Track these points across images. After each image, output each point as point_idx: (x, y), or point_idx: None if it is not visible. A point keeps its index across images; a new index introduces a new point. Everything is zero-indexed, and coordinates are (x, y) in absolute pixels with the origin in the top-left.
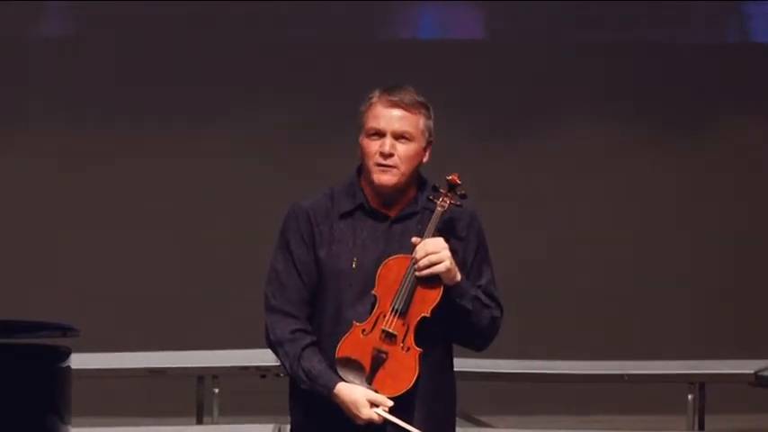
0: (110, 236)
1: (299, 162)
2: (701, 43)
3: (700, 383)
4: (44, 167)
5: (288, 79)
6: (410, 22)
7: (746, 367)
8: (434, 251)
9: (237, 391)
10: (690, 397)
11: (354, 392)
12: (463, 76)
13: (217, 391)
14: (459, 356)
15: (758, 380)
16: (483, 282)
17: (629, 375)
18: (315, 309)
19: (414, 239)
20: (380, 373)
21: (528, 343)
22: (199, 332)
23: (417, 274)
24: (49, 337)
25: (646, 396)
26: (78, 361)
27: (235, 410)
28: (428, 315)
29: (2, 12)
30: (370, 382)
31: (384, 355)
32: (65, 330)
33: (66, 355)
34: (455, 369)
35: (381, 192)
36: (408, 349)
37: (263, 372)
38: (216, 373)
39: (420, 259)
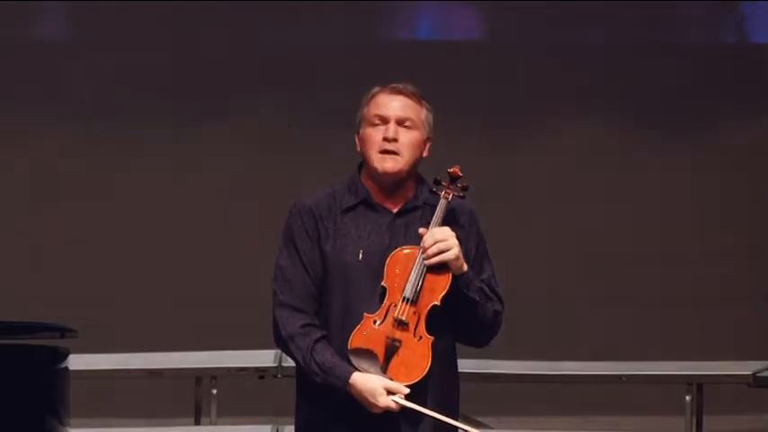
0: (108, 236)
1: (298, 162)
2: (699, 43)
3: (698, 384)
4: (43, 167)
5: (286, 80)
6: (408, 23)
7: (744, 368)
8: (443, 239)
9: (236, 393)
10: (688, 398)
11: (370, 381)
12: (461, 77)
13: (215, 392)
14: (457, 357)
15: (756, 381)
16: (485, 276)
17: (627, 376)
18: (322, 304)
19: (420, 230)
20: (394, 362)
21: (525, 344)
22: (197, 333)
23: (426, 262)
24: (47, 338)
25: (644, 397)
26: (76, 362)
27: (233, 411)
28: (438, 303)
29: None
30: (384, 370)
31: (397, 344)
32: (63, 331)
33: (65, 355)
34: None
35: (384, 181)
36: (420, 338)
37: (261, 373)
38: (214, 374)
39: (429, 247)
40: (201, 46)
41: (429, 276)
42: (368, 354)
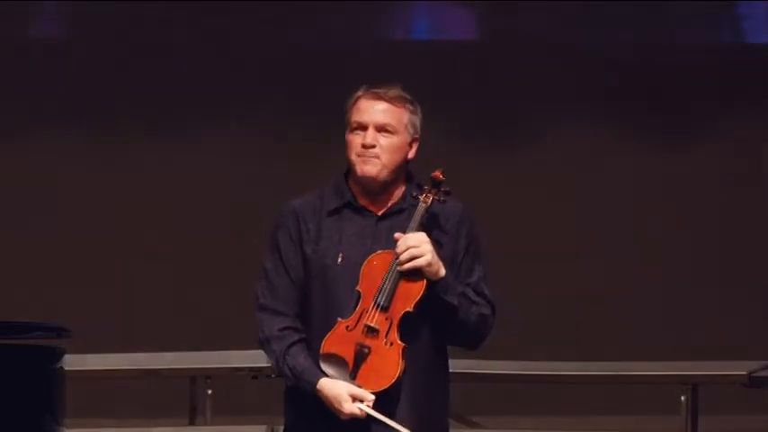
0: (104, 236)
1: (296, 162)
2: (697, 44)
3: (693, 384)
4: (40, 168)
5: (282, 80)
6: (403, 23)
7: (740, 368)
8: (415, 245)
9: (230, 393)
10: (683, 398)
11: (336, 387)
12: (457, 76)
13: (210, 392)
14: (453, 357)
15: (751, 381)
16: (473, 280)
17: (622, 376)
18: (304, 306)
19: (396, 235)
20: (363, 368)
21: (521, 344)
22: (192, 333)
23: (399, 268)
24: (42, 338)
25: (640, 397)
26: (71, 362)
27: (227, 411)
28: (411, 310)
29: None
30: (353, 377)
31: (366, 350)
32: (58, 331)
33: (60, 355)
34: (450, 370)
35: (365, 184)
36: (392, 344)
37: (255, 373)
38: (209, 374)
39: (401, 253)
40: (200, 46)
41: (403, 282)
42: (337, 359)
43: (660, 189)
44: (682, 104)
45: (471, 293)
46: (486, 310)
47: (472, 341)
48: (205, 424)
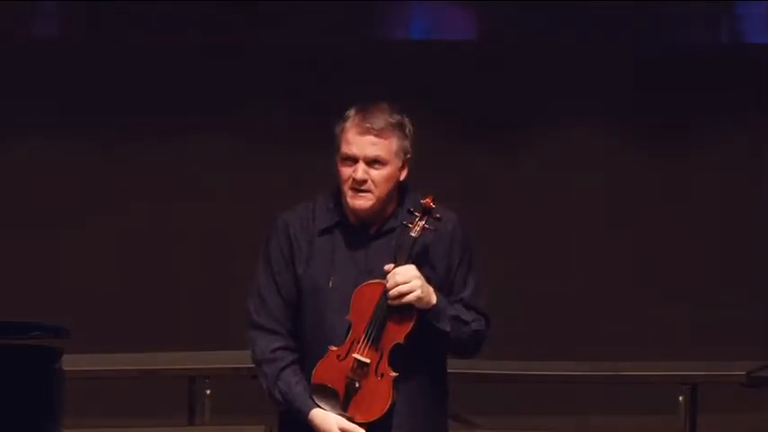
0: (102, 236)
1: (293, 163)
2: (696, 44)
3: (692, 384)
4: (39, 168)
5: (280, 80)
6: (402, 23)
7: (738, 368)
8: (404, 281)
9: (229, 393)
10: (681, 398)
11: (327, 421)
12: (456, 76)
13: (208, 392)
14: (451, 357)
15: (750, 380)
16: (466, 294)
17: (621, 376)
18: (297, 320)
19: (386, 267)
20: (354, 400)
21: (520, 344)
22: (190, 333)
23: (389, 302)
24: (41, 338)
25: (638, 397)
26: (69, 362)
27: (226, 412)
28: (402, 341)
29: None
30: (344, 409)
31: (357, 383)
32: (57, 332)
33: (59, 355)
34: (449, 370)
35: (357, 215)
36: (382, 375)
37: (254, 373)
38: (207, 375)
39: (390, 289)
40: (200, 46)
41: (393, 315)
42: (328, 391)
43: (660, 189)
44: (681, 104)
45: (464, 312)
46: (479, 325)
47: (466, 355)
48: (204, 424)
